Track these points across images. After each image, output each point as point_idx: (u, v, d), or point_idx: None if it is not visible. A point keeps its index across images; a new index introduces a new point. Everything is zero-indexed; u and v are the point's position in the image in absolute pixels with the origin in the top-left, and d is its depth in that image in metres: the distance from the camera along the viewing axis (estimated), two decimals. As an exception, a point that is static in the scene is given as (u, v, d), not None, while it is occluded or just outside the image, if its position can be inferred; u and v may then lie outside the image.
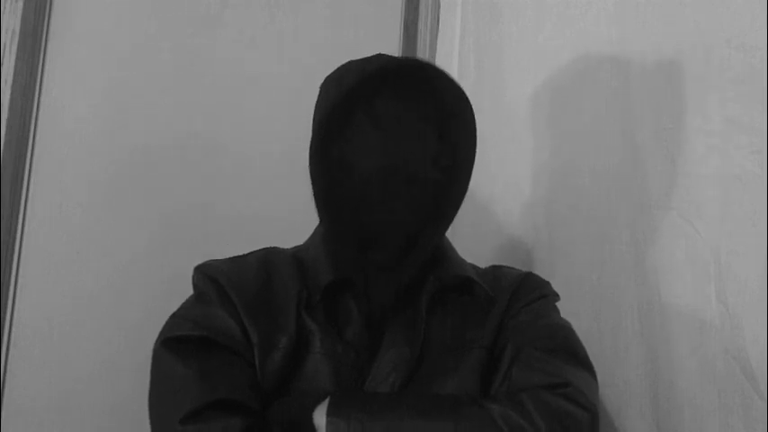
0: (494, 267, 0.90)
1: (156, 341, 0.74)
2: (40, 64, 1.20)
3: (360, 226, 0.77)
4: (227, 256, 0.83)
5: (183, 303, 0.79)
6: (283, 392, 0.74)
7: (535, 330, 0.79)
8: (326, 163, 0.74)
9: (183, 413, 0.66)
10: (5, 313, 1.14)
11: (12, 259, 1.16)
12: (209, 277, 0.78)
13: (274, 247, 0.86)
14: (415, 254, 0.77)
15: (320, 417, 0.67)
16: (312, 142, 0.74)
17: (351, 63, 0.79)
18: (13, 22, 1.15)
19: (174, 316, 0.77)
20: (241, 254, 0.84)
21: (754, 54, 0.75)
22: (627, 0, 0.94)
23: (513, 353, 0.77)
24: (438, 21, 1.47)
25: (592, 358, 0.79)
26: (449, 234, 0.83)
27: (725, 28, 0.78)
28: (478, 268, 0.88)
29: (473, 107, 0.76)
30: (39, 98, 1.20)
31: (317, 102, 0.80)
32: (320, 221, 0.76)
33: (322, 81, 0.81)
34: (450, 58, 1.41)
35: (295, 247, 0.86)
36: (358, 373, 0.74)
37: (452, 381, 0.75)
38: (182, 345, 0.72)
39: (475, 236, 1.19)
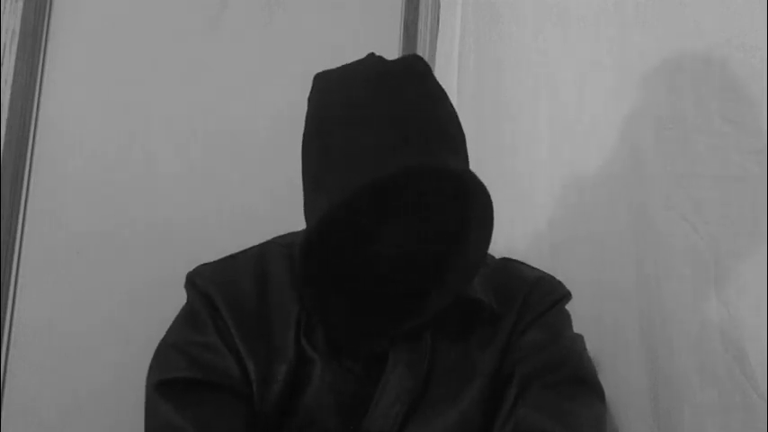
0: (504, 261, 0.86)
1: (149, 379, 0.72)
2: (40, 64, 1.20)
3: (352, 309, 0.73)
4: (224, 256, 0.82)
5: (175, 322, 0.76)
6: (283, 424, 0.72)
7: (544, 358, 0.75)
8: (320, 255, 0.69)
9: None
10: (5, 313, 1.14)
11: (12, 259, 1.16)
12: (202, 293, 0.75)
13: (270, 244, 0.83)
14: (412, 321, 0.73)
15: None
16: (305, 240, 0.67)
17: (341, 106, 0.70)
18: (13, 22, 1.15)
19: (165, 343, 0.74)
20: (236, 252, 0.81)
21: (754, 54, 0.75)
22: (627, 0, 0.94)
23: (519, 385, 0.73)
24: (438, 21, 1.47)
25: (592, 358, 0.79)
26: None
27: (725, 28, 0.78)
28: (488, 263, 0.82)
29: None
30: (39, 98, 1.20)
31: (305, 151, 0.74)
32: (305, 300, 0.73)
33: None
34: (450, 58, 1.40)
35: (291, 240, 0.81)
36: (360, 402, 0.72)
37: (456, 411, 0.73)
38: (176, 389, 0.70)
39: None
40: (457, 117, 0.73)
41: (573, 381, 0.74)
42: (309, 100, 0.75)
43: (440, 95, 0.73)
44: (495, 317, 0.78)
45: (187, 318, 0.76)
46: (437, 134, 0.68)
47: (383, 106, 0.68)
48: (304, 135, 0.74)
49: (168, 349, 0.74)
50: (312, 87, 0.76)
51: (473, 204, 0.70)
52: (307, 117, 0.74)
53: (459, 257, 0.73)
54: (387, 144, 0.65)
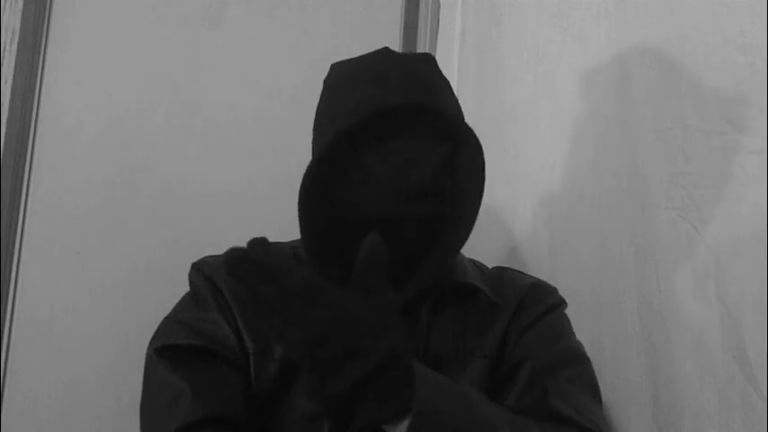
0: (499, 270, 0.87)
1: (150, 346, 0.73)
2: (40, 64, 1.21)
3: (351, 265, 0.74)
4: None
5: (178, 303, 0.78)
6: (280, 403, 0.72)
7: (557, 354, 0.76)
8: (318, 200, 0.71)
9: (175, 427, 0.65)
10: (5, 313, 1.14)
11: (12, 259, 1.16)
12: (206, 276, 0.77)
13: (276, 243, 0.83)
14: (411, 286, 0.74)
15: None
16: (305, 178, 0.70)
17: (351, 73, 0.74)
18: (13, 21, 1.15)
19: (168, 319, 0.76)
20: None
21: (754, 54, 0.75)
22: (627, 0, 0.94)
23: (533, 372, 0.73)
24: (438, 21, 1.47)
25: (592, 358, 0.79)
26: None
27: (725, 28, 0.78)
28: (483, 268, 0.86)
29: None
30: (39, 98, 1.20)
31: (317, 119, 0.77)
32: (307, 258, 0.74)
33: (322, 81, 0.80)
34: (450, 58, 1.41)
35: (295, 242, 0.83)
36: None
37: None
38: (176, 354, 0.71)
39: (474, 236, 1.19)
40: (457, 102, 0.77)
41: (587, 383, 0.75)
42: (321, 97, 0.79)
43: (444, 82, 0.77)
44: (493, 305, 0.79)
45: (189, 299, 0.78)
46: (420, 83, 0.72)
47: (381, 67, 0.73)
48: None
49: (169, 323, 0.75)
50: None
51: (462, 153, 0.73)
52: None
53: (452, 218, 0.75)
54: (366, 94, 0.70)
